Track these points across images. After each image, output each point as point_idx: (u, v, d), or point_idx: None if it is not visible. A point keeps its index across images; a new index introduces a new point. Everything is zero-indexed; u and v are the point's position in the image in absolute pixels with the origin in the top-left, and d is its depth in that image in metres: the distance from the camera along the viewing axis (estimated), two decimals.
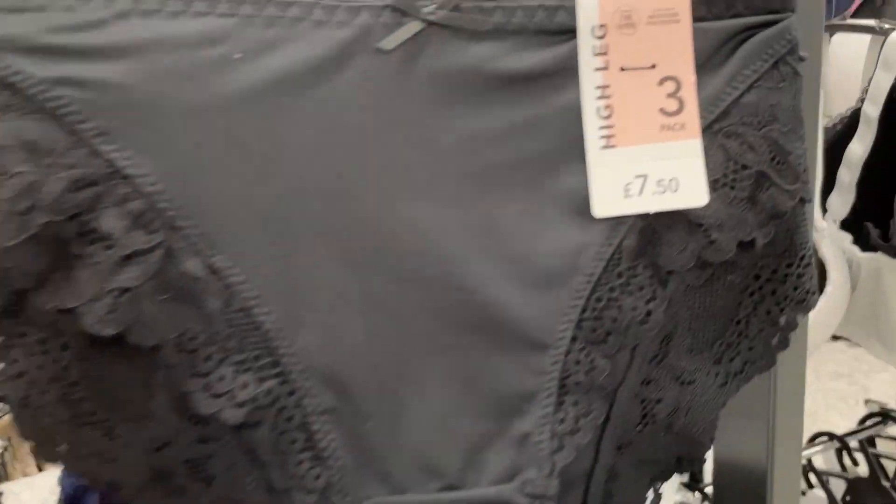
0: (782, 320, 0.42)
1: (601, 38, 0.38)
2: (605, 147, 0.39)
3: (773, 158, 0.39)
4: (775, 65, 0.40)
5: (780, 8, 0.40)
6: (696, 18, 0.39)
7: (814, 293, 0.41)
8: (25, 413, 0.35)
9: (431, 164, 0.37)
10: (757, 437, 0.65)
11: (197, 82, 0.35)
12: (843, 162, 0.91)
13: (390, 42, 0.36)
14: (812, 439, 1.15)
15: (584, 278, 0.39)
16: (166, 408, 0.37)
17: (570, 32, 0.38)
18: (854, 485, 1.13)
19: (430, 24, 0.36)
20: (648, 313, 0.39)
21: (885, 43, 0.84)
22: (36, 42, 0.33)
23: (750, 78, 0.39)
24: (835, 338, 1.02)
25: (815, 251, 0.85)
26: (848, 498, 1.15)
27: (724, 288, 0.41)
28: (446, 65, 0.37)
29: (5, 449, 1.36)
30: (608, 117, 0.39)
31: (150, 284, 0.34)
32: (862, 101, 0.92)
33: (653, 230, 0.39)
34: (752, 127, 0.39)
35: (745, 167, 0.39)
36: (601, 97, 0.39)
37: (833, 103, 1.03)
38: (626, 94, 0.39)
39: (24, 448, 1.41)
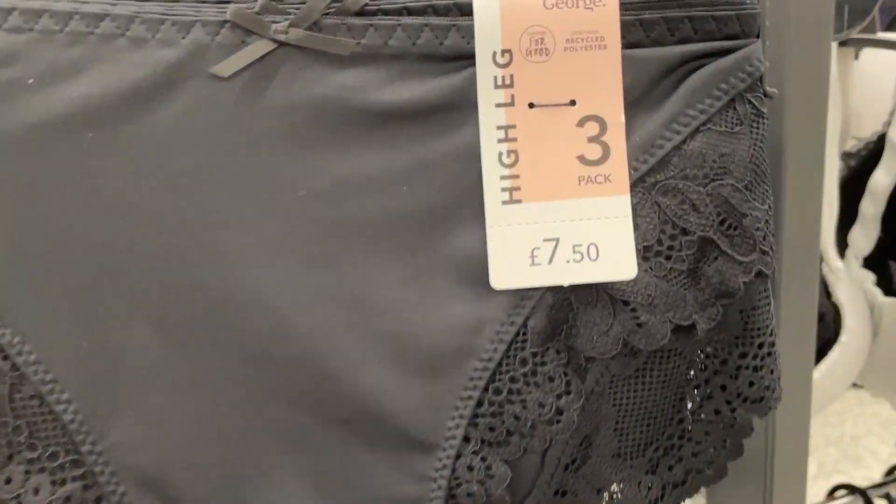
0: (734, 423, 0.33)
1: (505, 66, 0.30)
2: (508, 202, 0.31)
3: (722, 222, 0.31)
4: (731, 103, 0.32)
5: (738, 33, 0.32)
6: (629, 44, 0.31)
7: (774, 390, 0.33)
8: None
9: (283, 218, 0.30)
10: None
11: None
12: (866, 192, 0.82)
13: (229, 66, 0.29)
14: (832, 492, 1.06)
15: (481, 364, 0.31)
16: None
17: (465, 59, 0.30)
18: None
19: (282, 44, 0.29)
20: (559, 411, 0.31)
21: None
22: None
23: (697, 119, 0.31)
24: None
25: (829, 295, 0.77)
26: None
27: (661, 380, 0.33)
28: (303, 97, 0.29)
29: None
30: (512, 165, 0.31)
31: None
32: (888, 124, 0.83)
33: (568, 306, 0.31)
34: (697, 182, 0.31)
35: (685, 232, 0.31)
36: (504, 139, 0.31)
37: (862, 125, 0.94)
38: (536, 137, 0.31)
39: None
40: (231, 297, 0.30)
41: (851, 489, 1.03)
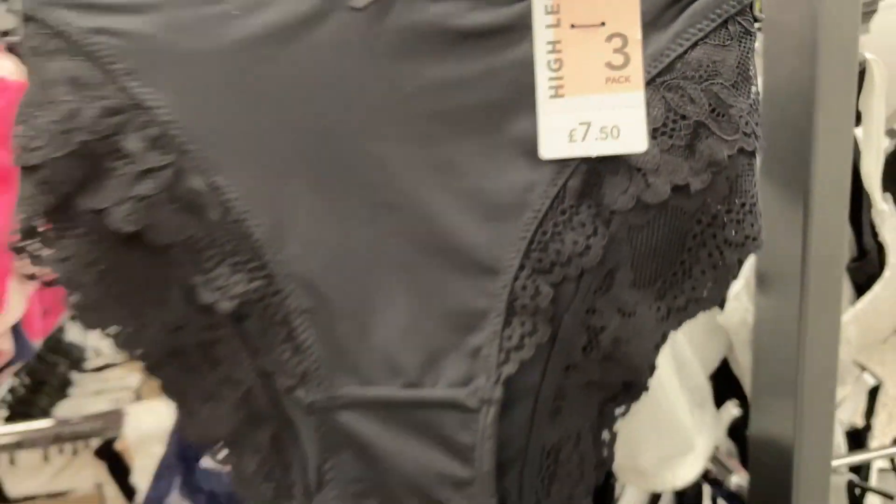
0: (722, 260, 0.45)
1: None
2: (554, 96, 0.43)
3: (713, 111, 0.43)
4: (724, 24, 0.43)
5: None
6: None
7: (755, 238, 0.44)
8: (70, 290, 0.45)
9: (397, 108, 0.44)
10: (785, 415, 0.68)
11: (203, 33, 0.43)
12: None
13: (363, 2, 0.43)
14: None
15: (532, 214, 0.44)
16: (178, 297, 0.46)
17: None
18: None
19: None
20: (588, 247, 0.44)
21: None
22: (83, 1, 0.43)
23: (696, 36, 0.43)
24: None
25: (876, 234, 0.83)
26: None
27: (667, 230, 0.45)
28: (410, 21, 0.43)
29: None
30: (558, 69, 0.43)
31: (162, 195, 0.43)
32: None
33: (596, 173, 0.44)
34: (694, 81, 0.43)
35: (684, 118, 0.43)
36: (552, 51, 0.43)
37: None
38: (575, 49, 0.43)
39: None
40: (361, 163, 0.44)
41: None
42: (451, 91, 0.44)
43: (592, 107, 0.43)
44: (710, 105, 0.43)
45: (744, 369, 0.83)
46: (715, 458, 0.84)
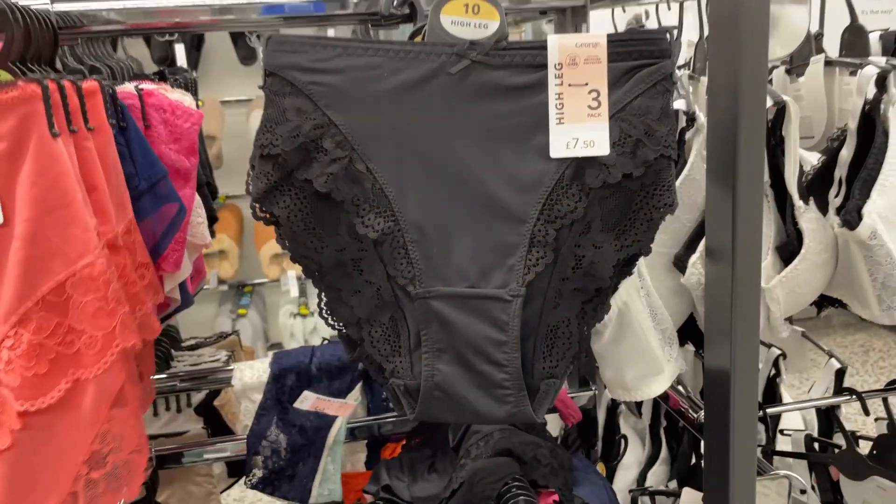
0: (652, 217, 0.79)
1: (560, 69, 0.78)
2: (559, 123, 0.78)
3: (646, 133, 0.77)
4: (654, 85, 0.77)
5: (659, 56, 0.77)
6: (610, 60, 0.77)
7: (670, 205, 0.78)
8: (285, 228, 0.81)
9: (471, 128, 0.79)
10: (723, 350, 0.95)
11: (367, 85, 0.78)
12: (836, 164, 1.17)
13: (455, 69, 0.78)
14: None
15: (545, 188, 0.79)
16: (344, 231, 0.81)
17: (543, 66, 0.78)
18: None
19: (473, 61, 0.78)
20: (576, 208, 0.79)
21: (859, 75, 1.11)
22: (303, 65, 0.79)
23: (638, 91, 0.77)
24: None
25: (796, 224, 1.12)
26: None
27: (621, 199, 0.80)
28: (480, 80, 0.78)
29: (229, 357, 1.91)
30: (561, 108, 0.78)
31: (342, 172, 0.79)
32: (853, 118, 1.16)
33: (581, 166, 0.78)
34: (636, 116, 0.77)
35: (630, 136, 0.77)
36: (558, 99, 0.78)
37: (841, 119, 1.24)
38: (571, 98, 0.78)
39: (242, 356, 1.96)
40: (449, 157, 0.79)
41: None
42: (501, 118, 0.79)
43: (579, 130, 0.78)
44: (644, 130, 0.77)
45: (701, 318, 1.16)
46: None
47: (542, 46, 0.77)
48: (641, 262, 1.06)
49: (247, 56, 3.08)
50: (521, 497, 1.02)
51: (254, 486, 1.39)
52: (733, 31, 0.82)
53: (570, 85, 0.78)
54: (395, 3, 1.17)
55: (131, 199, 0.91)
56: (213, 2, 1.30)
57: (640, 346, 1.11)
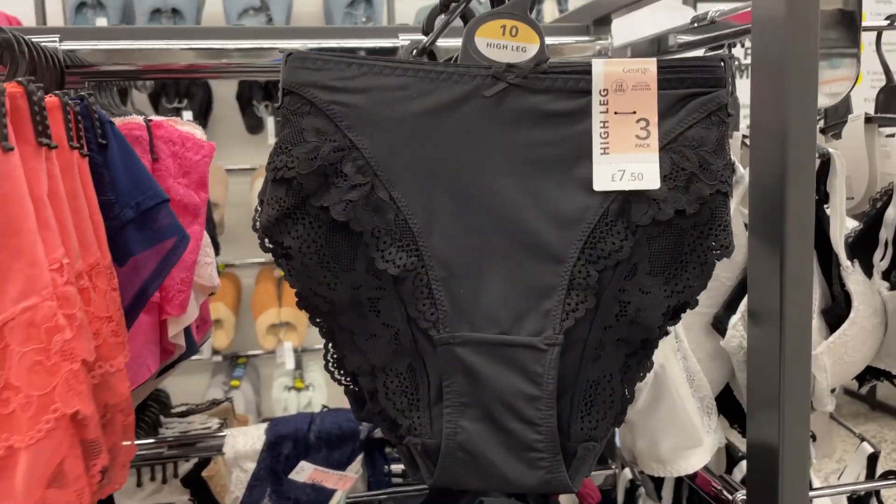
0: (706, 259, 0.71)
1: (605, 96, 0.71)
2: (603, 153, 0.71)
3: (700, 166, 0.70)
4: (709, 115, 0.70)
5: (714, 85, 0.71)
6: (660, 88, 0.71)
7: (727, 247, 0.70)
8: (296, 261, 0.72)
9: (507, 156, 0.72)
10: (769, 422, 0.87)
11: (392, 107, 0.72)
12: (882, 224, 1.10)
13: (490, 92, 0.72)
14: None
15: (587, 225, 0.71)
16: (361, 266, 0.73)
17: (587, 92, 0.71)
18: None
19: (511, 84, 0.72)
20: (621, 248, 0.71)
21: None
22: (324, 84, 0.72)
23: (692, 121, 0.70)
24: None
25: (843, 284, 1.04)
26: None
27: (671, 239, 0.72)
28: (518, 105, 0.72)
29: (221, 425, 1.80)
30: (606, 138, 0.71)
31: (361, 201, 0.71)
32: None
33: (627, 201, 0.71)
34: (690, 148, 0.70)
35: (683, 169, 0.70)
36: (603, 127, 0.71)
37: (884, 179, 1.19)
38: (617, 127, 0.71)
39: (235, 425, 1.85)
40: (483, 189, 0.72)
41: None
42: (540, 147, 0.72)
43: (626, 161, 0.71)
44: (699, 163, 0.70)
45: (741, 386, 1.06)
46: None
47: (586, 71, 0.71)
48: (679, 322, 0.97)
49: (254, 125, 3.06)
50: None
51: None
52: (780, 75, 0.77)
53: (616, 113, 0.71)
54: (413, 53, 1.12)
55: (114, 231, 0.81)
56: (228, 45, 1.26)
57: (677, 415, 1.01)
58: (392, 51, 1.28)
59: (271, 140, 3.06)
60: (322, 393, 3.58)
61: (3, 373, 0.63)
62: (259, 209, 0.74)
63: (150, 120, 1.04)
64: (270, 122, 3.01)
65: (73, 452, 0.67)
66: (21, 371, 0.63)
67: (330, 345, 0.82)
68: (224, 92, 3.02)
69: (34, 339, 0.63)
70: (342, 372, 0.82)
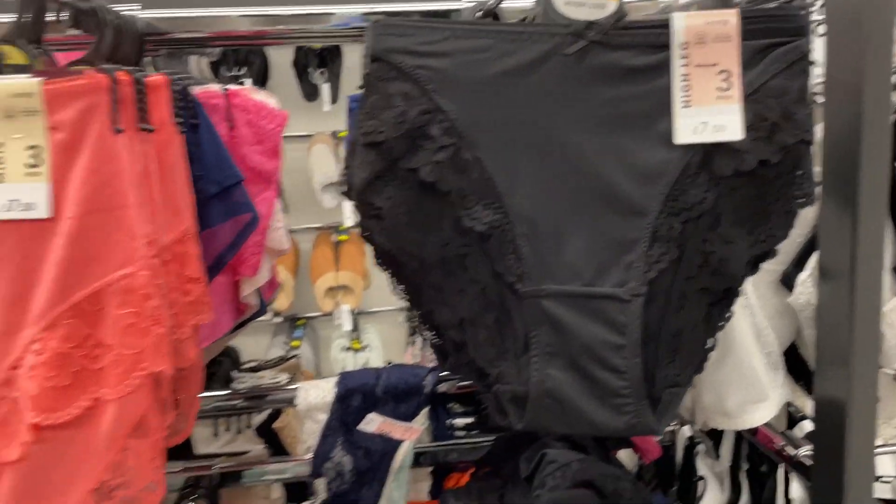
0: (790, 208, 0.72)
1: (686, 49, 0.72)
2: (685, 106, 0.72)
3: (783, 115, 0.70)
4: (790, 65, 0.71)
5: (795, 34, 0.71)
6: (742, 39, 0.71)
7: (811, 195, 0.71)
8: (387, 221, 0.75)
9: (587, 113, 0.73)
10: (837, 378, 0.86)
11: (475, 69, 0.74)
12: None
13: (571, 50, 0.73)
14: None
15: (669, 178, 0.73)
16: (448, 224, 0.76)
17: (667, 46, 0.72)
18: None
19: (591, 41, 0.73)
20: (704, 199, 0.72)
21: None
22: (410, 49, 0.74)
23: (774, 71, 0.71)
24: None
25: None
26: None
27: (754, 189, 0.73)
28: (598, 62, 0.73)
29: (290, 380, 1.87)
30: (687, 91, 0.72)
31: (448, 161, 0.73)
32: None
33: (709, 153, 0.72)
34: (772, 98, 0.71)
35: (765, 119, 0.71)
36: (684, 80, 0.72)
37: None
38: (698, 79, 0.72)
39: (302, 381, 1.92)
40: (564, 145, 0.74)
41: None
42: (620, 103, 0.73)
43: (708, 113, 0.72)
44: (782, 113, 0.70)
45: (808, 343, 1.07)
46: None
47: (665, 24, 0.72)
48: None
49: (310, 92, 3.09)
50: None
51: None
52: (855, 29, 0.76)
53: (697, 65, 0.72)
54: (478, 14, 1.13)
55: (197, 204, 0.85)
56: (285, 12, 1.28)
57: (744, 370, 1.02)
58: (449, 13, 1.29)
59: (327, 107, 3.09)
60: (378, 354, 3.67)
61: (96, 333, 0.69)
62: (347, 173, 0.77)
63: (228, 89, 1.08)
64: (326, 90, 3.04)
65: (153, 407, 0.74)
66: (115, 332, 0.69)
67: (414, 302, 0.85)
68: (280, 59, 3.06)
69: (129, 304, 0.69)
70: (427, 326, 0.86)
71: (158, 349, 0.70)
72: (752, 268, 0.77)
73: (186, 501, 1.29)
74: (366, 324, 3.76)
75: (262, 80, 3.03)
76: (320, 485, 1.34)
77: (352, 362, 3.60)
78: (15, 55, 0.79)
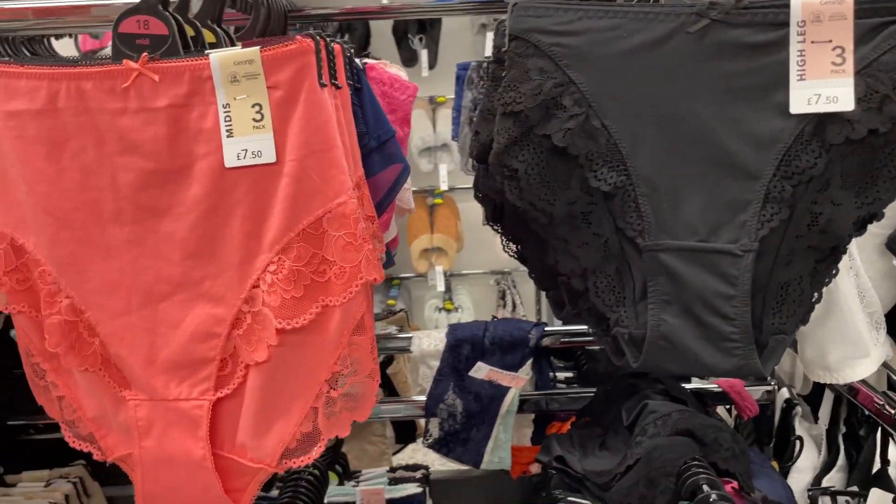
0: (895, 177, 0.79)
1: (802, 27, 0.79)
2: (800, 80, 0.79)
3: (894, 88, 0.76)
4: None
5: None
6: (856, 17, 0.77)
7: None
8: (522, 181, 0.85)
9: (707, 86, 0.81)
10: None
11: (605, 45, 0.82)
12: None
13: (694, 28, 0.81)
14: None
15: (783, 145, 0.80)
16: (576, 184, 0.85)
17: (784, 24, 0.79)
18: None
19: (713, 20, 0.80)
20: (815, 164, 0.79)
21: None
22: (546, 28, 0.83)
23: (885, 48, 0.77)
24: None
25: None
26: None
27: (863, 156, 0.79)
28: (718, 39, 0.80)
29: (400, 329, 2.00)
30: (803, 65, 0.79)
31: (578, 128, 0.83)
32: None
33: (822, 122, 0.79)
34: (884, 72, 0.77)
35: (876, 92, 0.77)
36: (800, 56, 0.79)
37: None
38: (813, 55, 0.79)
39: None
40: (685, 115, 0.82)
41: None
42: (739, 77, 0.81)
43: (822, 86, 0.79)
44: (892, 85, 0.76)
45: None
46: None
47: (784, 4, 0.79)
48: (852, 241, 1.04)
49: (408, 58, 3.21)
50: (703, 476, 1.01)
51: (430, 446, 1.46)
52: None
53: (812, 42, 0.78)
54: None
55: (361, 157, 0.99)
56: None
57: (846, 327, 1.08)
58: None
59: (425, 73, 3.20)
60: (469, 315, 3.81)
61: (321, 252, 0.83)
62: (474, 140, 0.88)
63: (365, 63, 1.19)
64: (424, 55, 3.14)
65: (368, 309, 0.89)
66: (336, 250, 0.82)
67: (532, 258, 0.95)
68: (381, 26, 3.18)
69: (345, 226, 0.82)
70: (543, 280, 0.96)
71: (370, 262, 0.84)
72: (859, 228, 0.84)
73: None
74: (458, 285, 3.90)
75: (363, 47, 3.16)
76: (434, 424, 1.47)
77: (444, 322, 3.75)
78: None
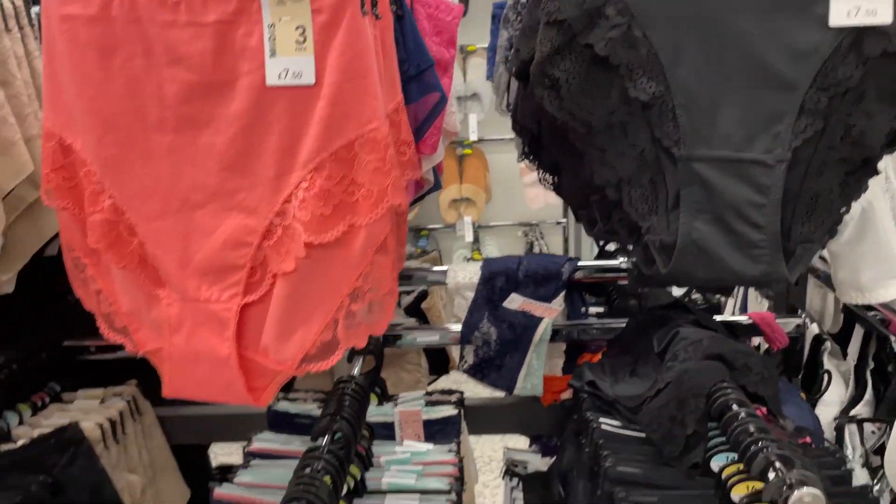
0: None
1: None
2: None
3: None
4: None
5: None
6: None
7: None
8: (563, 90, 0.88)
9: (753, 6, 0.83)
10: None
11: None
12: None
13: None
14: None
15: (821, 56, 0.82)
16: (616, 94, 0.88)
17: None
18: None
19: None
20: (852, 76, 0.81)
21: None
22: None
23: None
24: None
25: None
26: None
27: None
28: None
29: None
30: None
31: (620, 38, 0.85)
32: None
33: (860, 35, 0.81)
34: None
35: None
36: None
37: None
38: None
39: None
40: (725, 29, 0.83)
41: None
42: (790, 17, 0.82)
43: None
44: None
45: None
46: None
47: None
48: (889, 164, 1.06)
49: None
50: (732, 395, 1.03)
51: (466, 371, 1.51)
52: None
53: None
54: None
55: (402, 83, 1.01)
56: None
57: (881, 248, 1.10)
58: None
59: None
60: None
61: (351, 174, 0.86)
62: (513, 57, 0.90)
63: None
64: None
65: (392, 231, 0.92)
66: (366, 173, 0.86)
67: (566, 181, 0.98)
68: None
69: (376, 151, 0.85)
70: (576, 199, 0.99)
71: (397, 186, 0.87)
72: (890, 143, 0.86)
73: (357, 355, 1.49)
74: (486, 236, 3.94)
75: None
76: (469, 350, 1.52)
77: None
78: None
